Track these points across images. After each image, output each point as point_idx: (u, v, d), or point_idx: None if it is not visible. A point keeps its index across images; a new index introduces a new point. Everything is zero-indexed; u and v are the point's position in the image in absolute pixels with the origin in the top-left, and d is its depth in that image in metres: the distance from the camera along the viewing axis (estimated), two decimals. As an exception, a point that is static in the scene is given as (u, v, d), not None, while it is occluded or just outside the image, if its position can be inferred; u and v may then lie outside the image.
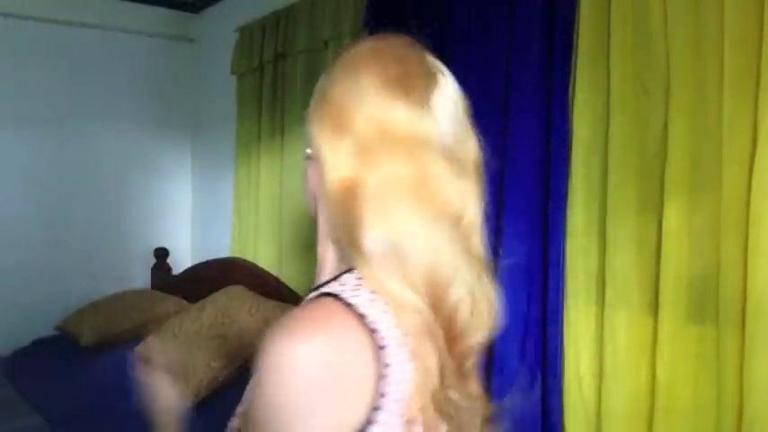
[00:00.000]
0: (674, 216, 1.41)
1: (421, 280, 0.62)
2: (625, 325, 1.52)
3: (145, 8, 3.54)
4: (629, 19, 1.52)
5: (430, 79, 0.70)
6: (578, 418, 1.61)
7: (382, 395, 0.59)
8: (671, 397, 1.41)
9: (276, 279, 2.67)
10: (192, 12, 3.70)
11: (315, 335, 0.58)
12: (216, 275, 2.81)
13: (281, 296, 2.49)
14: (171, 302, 2.80)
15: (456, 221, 0.66)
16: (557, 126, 1.65)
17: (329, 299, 0.62)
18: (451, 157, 0.67)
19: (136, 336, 2.61)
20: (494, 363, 1.74)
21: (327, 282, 0.67)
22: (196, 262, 3.41)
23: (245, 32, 3.11)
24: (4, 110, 3.16)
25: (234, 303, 2.37)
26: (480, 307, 0.67)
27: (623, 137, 1.53)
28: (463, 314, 0.65)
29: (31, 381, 2.52)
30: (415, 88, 0.67)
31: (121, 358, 2.42)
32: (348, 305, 0.60)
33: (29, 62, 3.22)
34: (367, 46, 0.72)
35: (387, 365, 0.59)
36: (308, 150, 0.71)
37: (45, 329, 2.95)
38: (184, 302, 2.79)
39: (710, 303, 1.36)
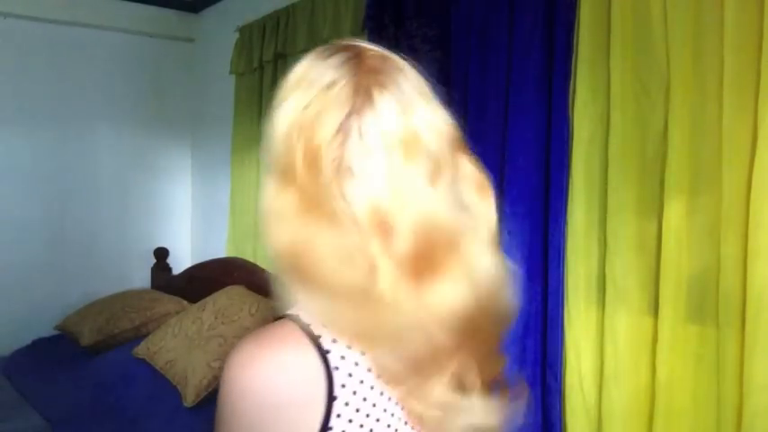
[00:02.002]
0: (674, 216, 1.41)
1: None
2: (625, 325, 1.52)
3: (145, 8, 3.54)
4: (629, 19, 1.52)
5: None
6: (579, 418, 1.61)
7: (338, 415, 0.59)
8: (671, 397, 1.41)
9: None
10: (192, 12, 3.70)
11: (267, 357, 0.59)
12: (216, 275, 2.81)
13: (281, 296, 2.49)
14: (171, 302, 2.80)
15: None
16: (557, 126, 1.65)
17: (287, 321, 0.62)
18: None
19: (136, 336, 2.61)
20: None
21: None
22: (196, 262, 3.41)
23: (245, 32, 3.11)
24: (4, 110, 3.16)
25: (234, 303, 2.37)
26: None
27: (623, 137, 1.53)
28: None
29: (31, 381, 2.52)
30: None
31: (121, 358, 2.43)
32: (303, 326, 0.61)
33: (29, 62, 3.22)
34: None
35: (342, 386, 0.59)
36: None
37: (45, 329, 2.95)
38: (184, 302, 2.79)
39: (710, 303, 1.36)
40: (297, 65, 0.66)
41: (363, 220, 0.59)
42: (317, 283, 0.60)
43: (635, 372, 1.50)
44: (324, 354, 0.59)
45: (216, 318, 2.31)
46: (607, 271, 1.55)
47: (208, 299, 2.49)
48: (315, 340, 0.60)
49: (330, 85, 0.62)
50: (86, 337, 2.64)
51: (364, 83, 0.62)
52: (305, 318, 0.62)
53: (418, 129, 0.62)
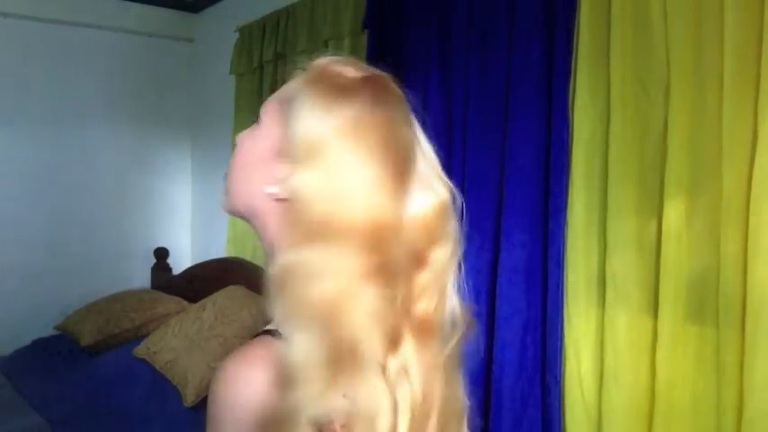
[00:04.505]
0: (673, 216, 1.41)
1: None
2: (625, 325, 1.52)
3: (145, 8, 3.54)
4: (629, 19, 1.52)
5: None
6: (579, 418, 1.61)
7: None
8: (671, 397, 1.41)
9: (276, 279, 2.66)
10: (192, 12, 3.70)
11: (251, 374, 0.60)
12: (216, 275, 2.81)
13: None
14: (171, 302, 2.80)
15: None
16: (557, 127, 1.65)
17: (266, 336, 0.63)
18: None
19: (136, 336, 2.61)
20: (494, 363, 1.74)
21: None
22: (196, 262, 3.41)
23: (245, 32, 3.11)
24: (4, 110, 3.16)
25: (234, 303, 2.37)
26: None
27: (623, 137, 1.53)
28: None
29: (31, 381, 2.51)
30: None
31: (121, 358, 2.43)
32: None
33: (29, 62, 3.22)
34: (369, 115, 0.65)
35: None
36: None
37: (45, 329, 2.95)
38: (184, 302, 2.79)
39: (710, 303, 1.36)
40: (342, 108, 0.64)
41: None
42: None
43: (635, 372, 1.50)
44: None
45: (216, 318, 2.31)
46: (607, 271, 1.55)
47: (208, 299, 2.49)
48: None
49: None
50: (86, 337, 2.64)
51: None
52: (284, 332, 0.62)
53: None
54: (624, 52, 1.52)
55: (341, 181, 0.61)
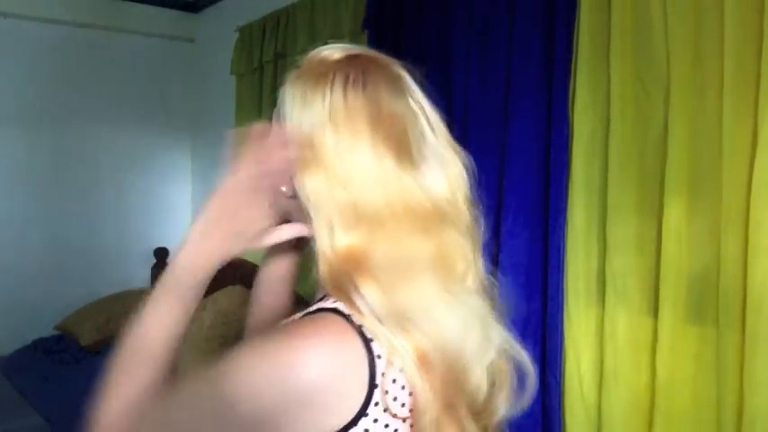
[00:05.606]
0: (674, 216, 1.41)
1: (439, 357, 0.62)
2: (625, 325, 1.52)
3: (145, 8, 3.54)
4: (628, 19, 1.52)
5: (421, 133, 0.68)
6: (578, 418, 1.61)
7: (376, 404, 0.59)
8: (671, 397, 1.41)
9: (276, 279, 2.66)
10: (192, 12, 3.70)
11: (316, 346, 0.58)
12: (216, 275, 2.81)
13: (281, 296, 2.49)
14: (171, 302, 2.80)
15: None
16: (557, 126, 1.65)
17: (328, 312, 0.62)
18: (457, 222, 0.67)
19: (136, 336, 2.61)
20: (494, 363, 1.74)
21: (322, 298, 0.67)
22: (196, 262, 3.41)
23: (245, 32, 3.11)
24: (4, 110, 3.16)
25: (234, 303, 2.37)
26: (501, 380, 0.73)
27: (623, 137, 1.53)
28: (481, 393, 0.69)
29: (31, 381, 2.52)
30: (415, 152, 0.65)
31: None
32: (345, 316, 0.61)
33: (29, 62, 3.22)
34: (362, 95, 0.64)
35: (382, 374, 0.60)
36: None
37: (45, 329, 2.95)
38: (184, 302, 2.79)
39: (710, 303, 1.36)
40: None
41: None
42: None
43: (635, 372, 1.50)
44: (367, 342, 0.59)
45: (216, 318, 2.31)
46: (607, 271, 1.55)
47: (208, 299, 2.49)
48: (358, 329, 0.60)
49: None
50: (86, 337, 2.65)
51: None
52: (343, 309, 0.62)
53: None
54: (624, 52, 1.52)
55: (342, 171, 0.61)
